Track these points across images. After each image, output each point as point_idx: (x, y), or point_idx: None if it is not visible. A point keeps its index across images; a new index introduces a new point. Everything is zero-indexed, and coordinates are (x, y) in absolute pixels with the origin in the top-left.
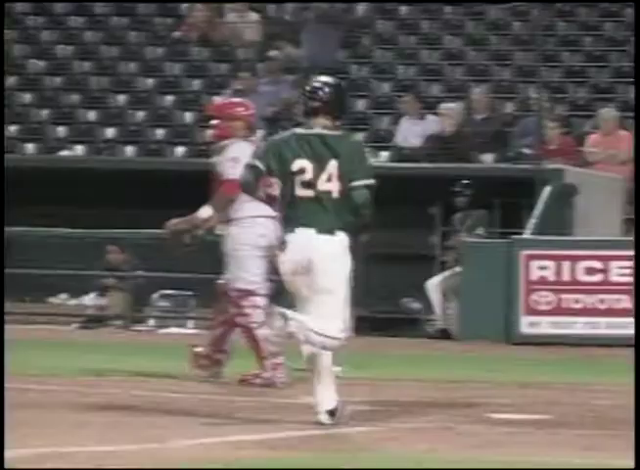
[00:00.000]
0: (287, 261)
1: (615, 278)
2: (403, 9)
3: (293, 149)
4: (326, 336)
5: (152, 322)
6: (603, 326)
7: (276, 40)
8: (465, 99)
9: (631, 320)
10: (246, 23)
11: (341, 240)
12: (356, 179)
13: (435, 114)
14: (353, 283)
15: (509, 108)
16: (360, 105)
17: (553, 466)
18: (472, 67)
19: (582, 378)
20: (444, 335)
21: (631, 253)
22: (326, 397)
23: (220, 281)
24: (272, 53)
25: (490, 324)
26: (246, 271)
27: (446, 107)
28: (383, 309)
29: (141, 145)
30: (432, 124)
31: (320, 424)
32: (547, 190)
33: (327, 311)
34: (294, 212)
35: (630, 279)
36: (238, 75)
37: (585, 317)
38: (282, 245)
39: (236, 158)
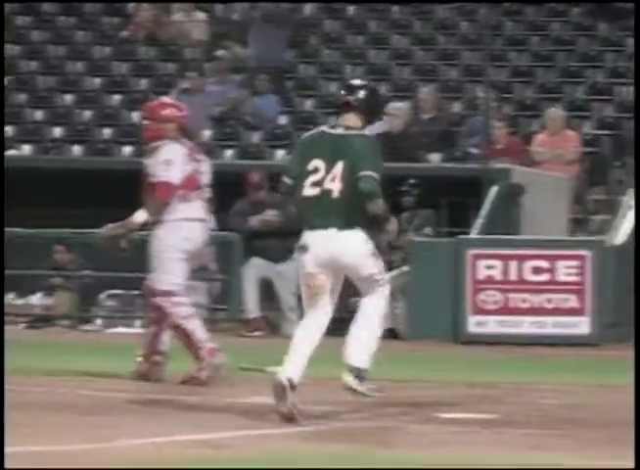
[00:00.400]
0: (311, 259)
1: (561, 278)
2: (351, 9)
3: (312, 148)
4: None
5: (99, 322)
6: (550, 325)
7: (223, 40)
8: (412, 98)
9: (578, 319)
10: (193, 23)
11: (359, 235)
12: (362, 170)
13: (384, 113)
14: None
15: (456, 107)
16: (307, 104)
17: (500, 466)
18: (419, 66)
19: (529, 377)
20: (392, 334)
21: (578, 252)
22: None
23: (146, 281)
24: (219, 52)
25: (438, 323)
26: (167, 273)
27: (394, 106)
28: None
29: (88, 144)
30: (379, 124)
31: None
32: (494, 190)
33: (379, 290)
34: (306, 213)
35: (577, 278)
36: (185, 75)
37: (532, 317)
38: (303, 247)
39: (168, 160)
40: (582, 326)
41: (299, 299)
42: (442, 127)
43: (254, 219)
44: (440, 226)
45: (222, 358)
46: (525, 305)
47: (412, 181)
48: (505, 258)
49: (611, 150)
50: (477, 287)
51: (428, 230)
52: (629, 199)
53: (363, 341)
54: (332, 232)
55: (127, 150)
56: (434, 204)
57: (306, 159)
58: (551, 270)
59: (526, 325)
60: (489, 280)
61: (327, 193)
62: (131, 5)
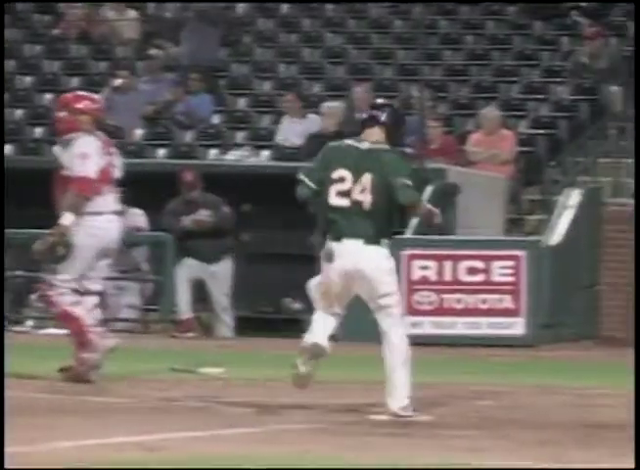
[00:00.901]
0: (336, 269)
1: (496, 278)
2: (284, 7)
3: (337, 158)
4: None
5: (30, 323)
6: (485, 326)
7: (155, 38)
8: (346, 98)
9: (513, 320)
10: (125, 21)
11: (382, 251)
12: (394, 178)
13: (317, 112)
14: (234, 283)
15: None
16: (241, 103)
17: (434, 466)
18: (353, 65)
19: (464, 379)
20: None
21: (513, 252)
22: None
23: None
24: (152, 51)
25: (372, 324)
26: (71, 268)
27: (328, 106)
28: (264, 310)
29: (19, 143)
30: (313, 123)
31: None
32: (429, 189)
33: (392, 311)
34: (333, 221)
35: (512, 279)
36: (117, 73)
37: (467, 317)
38: (329, 255)
39: (84, 153)
40: (517, 327)
41: (232, 299)
42: None
43: (187, 219)
44: None
45: (114, 341)
46: (459, 306)
47: None
48: (440, 259)
49: (546, 149)
50: (411, 288)
51: None
52: (565, 199)
53: (401, 383)
54: (359, 244)
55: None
56: None
57: (331, 167)
58: (486, 271)
59: (461, 326)
60: (424, 281)
61: (357, 204)
62: (63, 3)
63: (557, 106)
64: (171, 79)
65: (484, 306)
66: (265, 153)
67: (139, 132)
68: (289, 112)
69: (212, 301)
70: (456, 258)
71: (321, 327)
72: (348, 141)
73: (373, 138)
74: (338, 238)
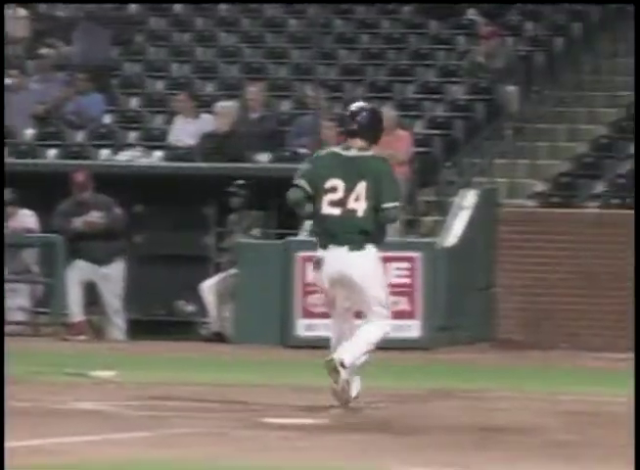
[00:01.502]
0: (323, 276)
1: (392, 280)
2: (177, 6)
3: (327, 167)
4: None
5: None
6: None
7: (47, 37)
8: (240, 97)
9: (409, 323)
10: (15, 19)
11: (372, 253)
12: (385, 201)
13: (210, 112)
14: (126, 286)
15: (285, 106)
16: (133, 103)
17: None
18: (247, 64)
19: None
20: (219, 338)
21: (408, 254)
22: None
23: None
24: (43, 50)
25: (266, 327)
26: None
27: (221, 105)
28: (157, 312)
29: None
30: (206, 123)
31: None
32: None
33: (381, 314)
34: (322, 230)
35: (407, 281)
36: (7, 72)
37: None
38: (317, 263)
39: None
40: (413, 330)
41: (124, 302)
42: (271, 127)
43: (79, 221)
44: (269, 228)
45: None
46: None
47: (240, 182)
48: None
49: (441, 150)
50: (306, 290)
51: (256, 232)
52: (460, 200)
53: (352, 343)
54: (345, 251)
55: None
56: (262, 205)
57: (322, 176)
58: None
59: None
60: None
61: (351, 212)
62: None
63: (452, 106)
64: (62, 79)
65: None
66: (158, 153)
67: (30, 132)
68: (182, 111)
69: (104, 303)
70: None
71: (334, 342)
72: (335, 150)
73: (357, 145)
74: (325, 246)
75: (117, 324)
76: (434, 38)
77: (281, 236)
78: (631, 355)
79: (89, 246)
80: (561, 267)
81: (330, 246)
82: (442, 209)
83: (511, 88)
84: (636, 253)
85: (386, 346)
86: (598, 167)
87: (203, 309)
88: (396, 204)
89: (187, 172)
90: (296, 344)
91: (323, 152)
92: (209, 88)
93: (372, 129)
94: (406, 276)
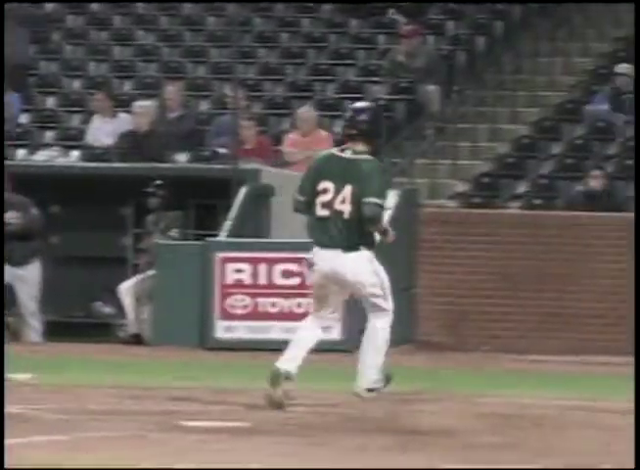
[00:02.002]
0: (316, 274)
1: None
2: (94, 5)
3: (324, 169)
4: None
5: None
6: None
7: None
8: (158, 97)
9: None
10: None
11: (364, 254)
12: (367, 196)
13: (128, 112)
14: (43, 287)
15: (204, 106)
16: (50, 102)
17: None
18: (165, 63)
19: (320, 385)
20: (137, 340)
21: None
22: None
23: None
24: None
25: (185, 329)
26: None
27: (139, 105)
28: (74, 314)
29: None
30: (124, 123)
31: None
32: (243, 191)
33: (380, 307)
34: (315, 231)
35: None
36: None
37: (282, 322)
38: (310, 264)
39: None
40: (334, 332)
41: (41, 303)
42: (190, 126)
43: None
44: (188, 229)
45: None
46: (274, 310)
47: (158, 182)
48: (254, 262)
49: None
50: (225, 291)
51: (174, 233)
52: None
53: (368, 366)
54: (337, 252)
55: None
56: (181, 205)
57: (317, 179)
58: (301, 274)
59: (276, 330)
60: (238, 284)
61: (338, 214)
62: None
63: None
64: None
65: (300, 311)
66: (75, 153)
67: None
68: (99, 111)
69: (20, 305)
70: (271, 262)
71: (292, 350)
72: (335, 151)
73: (357, 147)
74: (319, 246)
75: (34, 326)
76: (354, 37)
77: (200, 237)
78: (560, 358)
79: (5, 247)
80: (482, 269)
81: (323, 246)
82: None
83: (432, 88)
84: (636, 253)
85: None
86: (520, 168)
87: (120, 311)
88: (377, 200)
89: (104, 172)
90: (214, 346)
91: (323, 153)
92: (127, 87)
93: (372, 131)
94: None
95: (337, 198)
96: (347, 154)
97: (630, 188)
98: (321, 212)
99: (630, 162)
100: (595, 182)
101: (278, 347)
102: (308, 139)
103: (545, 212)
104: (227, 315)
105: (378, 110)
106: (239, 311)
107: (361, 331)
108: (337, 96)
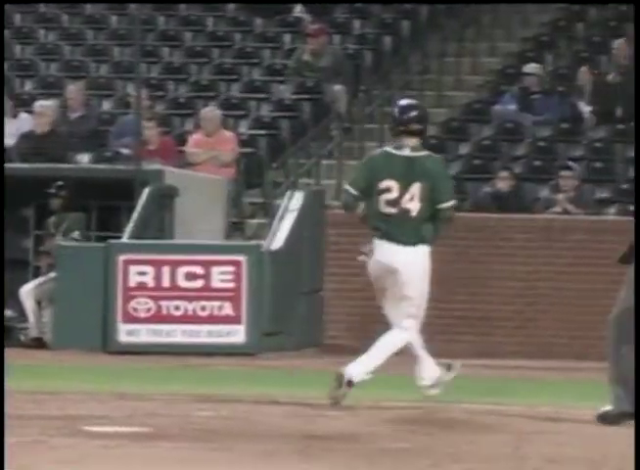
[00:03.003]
0: (373, 264)
1: (216, 284)
2: None
3: (381, 169)
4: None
5: None
6: (204, 334)
7: None
8: (60, 96)
9: (234, 328)
10: None
11: (422, 251)
12: (443, 201)
13: (29, 112)
14: None
15: (106, 105)
16: None
17: None
18: (67, 62)
19: (183, 389)
20: (39, 344)
21: (233, 257)
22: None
23: None
24: None
25: (87, 332)
26: None
27: (40, 104)
28: None
29: None
30: (25, 123)
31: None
32: (146, 192)
33: (404, 312)
34: (379, 227)
35: (232, 285)
36: None
37: (186, 325)
38: (369, 252)
39: None
40: (238, 335)
41: None
42: (92, 126)
43: None
44: (90, 230)
45: None
46: (178, 313)
47: (60, 183)
48: (157, 264)
49: (267, 151)
50: (127, 294)
51: (76, 234)
52: (287, 202)
53: (370, 358)
54: (398, 247)
55: None
56: (83, 207)
57: (376, 178)
58: (205, 276)
59: (180, 334)
60: (141, 287)
61: (405, 212)
62: None
63: (279, 105)
64: None
65: (204, 314)
66: None
67: None
68: None
69: None
70: (174, 264)
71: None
72: (389, 149)
73: (411, 144)
74: (380, 238)
75: None
76: (259, 36)
77: (102, 239)
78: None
79: None
80: None
81: (385, 239)
82: (268, 211)
83: (338, 88)
84: (636, 254)
85: (210, 351)
86: None
87: (22, 314)
88: (452, 203)
89: (5, 173)
90: (117, 349)
91: (377, 152)
92: (28, 87)
93: (422, 127)
94: (231, 280)
95: (404, 196)
96: (406, 151)
97: (539, 189)
98: (386, 210)
99: (538, 163)
100: (503, 183)
101: (181, 350)
102: (212, 139)
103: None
104: (130, 318)
105: (423, 107)
106: (142, 314)
107: (267, 334)
108: (241, 96)
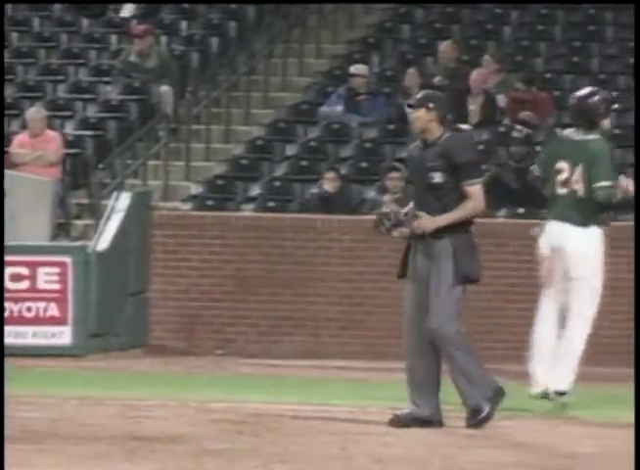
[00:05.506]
0: (544, 244)
1: (42, 285)
2: None
3: (558, 151)
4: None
5: None
6: (30, 336)
7: None
8: None
9: (59, 329)
10: None
11: (593, 232)
12: (596, 181)
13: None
14: None
15: None
16: None
17: None
18: None
19: (9, 390)
20: None
21: (59, 259)
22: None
23: None
24: None
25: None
26: None
27: None
28: None
29: None
30: None
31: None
32: None
33: (582, 295)
34: (552, 206)
35: (58, 286)
36: None
37: (11, 326)
38: (537, 231)
39: None
40: (64, 336)
41: None
42: None
43: None
44: None
45: None
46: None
47: None
48: None
49: (94, 151)
50: None
51: None
52: (113, 202)
53: (566, 366)
54: (567, 226)
55: None
56: None
57: (553, 160)
58: (31, 278)
59: (6, 335)
60: None
61: (574, 192)
62: None
63: (105, 106)
64: None
65: (30, 315)
66: None
67: None
68: None
69: None
70: None
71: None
72: (565, 133)
73: (586, 127)
74: (552, 218)
75: None
76: (85, 37)
77: None
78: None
79: None
80: (216, 272)
81: (556, 219)
82: (94, 212)
83: (165, 88)
84: (636, 256)
85: (36, 353)
86: (254, 170)
87: None
88: (607, 183)
89: None
90: None
91: (559, 135)
92: None
93: (586, 114)
94: (56, 281)
95: (572, 177)
96: (579, 135)
97: (365, 190)
98: (559, 190)
99: (365, 164)
100: (329, 184)
101: (7, 352)
102: (37, 140)
103: (279, 215)
104: None
105: (588, 97)
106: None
107: (93, 335)
108: (67, 96)
